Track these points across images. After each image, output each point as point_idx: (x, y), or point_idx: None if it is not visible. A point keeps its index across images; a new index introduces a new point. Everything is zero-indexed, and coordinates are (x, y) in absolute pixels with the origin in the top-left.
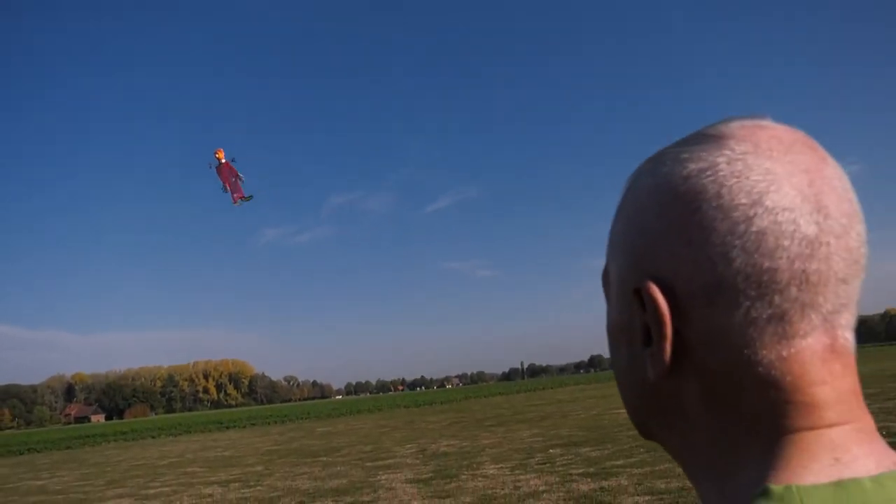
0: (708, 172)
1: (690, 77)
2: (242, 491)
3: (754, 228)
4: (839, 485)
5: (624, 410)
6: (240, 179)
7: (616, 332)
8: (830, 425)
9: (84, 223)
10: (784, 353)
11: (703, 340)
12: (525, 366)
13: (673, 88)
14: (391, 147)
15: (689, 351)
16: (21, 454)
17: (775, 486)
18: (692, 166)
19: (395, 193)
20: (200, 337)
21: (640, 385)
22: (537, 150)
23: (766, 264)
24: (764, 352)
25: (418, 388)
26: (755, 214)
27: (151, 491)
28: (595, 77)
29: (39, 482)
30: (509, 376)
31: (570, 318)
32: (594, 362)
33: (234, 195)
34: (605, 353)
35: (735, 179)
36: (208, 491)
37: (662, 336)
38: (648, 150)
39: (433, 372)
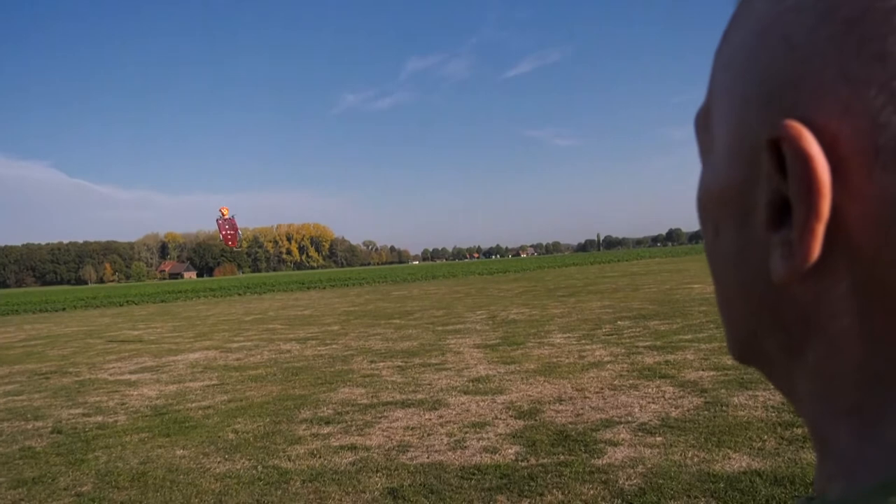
0: None
1: None
2: (318, 348)
3: None
4: None
5: (698, 285)
6: (237, 231)
7: (719, 202)
8: None
9: (173, 90)
10: None
11: (875, 223)
12: (601, 237)
13: None
14: (471, 6)
15: (848, 241)
16: (121, 305)
17: None
18: None
19: (474, 58)
20: (283, 200)
21: (753, 284)
22: (627, 6)
23: None
24: None
25: (493, 257)
26: None
27: (235, 345)
28: None
29: (136, 332)
30: (585, 247)
31: (649, 191)
32: (672, 236)
33: (232, 242)
34: (685, 226)
35: None
36: (287, 347)
37: (814, 215)
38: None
39: (509, 241)
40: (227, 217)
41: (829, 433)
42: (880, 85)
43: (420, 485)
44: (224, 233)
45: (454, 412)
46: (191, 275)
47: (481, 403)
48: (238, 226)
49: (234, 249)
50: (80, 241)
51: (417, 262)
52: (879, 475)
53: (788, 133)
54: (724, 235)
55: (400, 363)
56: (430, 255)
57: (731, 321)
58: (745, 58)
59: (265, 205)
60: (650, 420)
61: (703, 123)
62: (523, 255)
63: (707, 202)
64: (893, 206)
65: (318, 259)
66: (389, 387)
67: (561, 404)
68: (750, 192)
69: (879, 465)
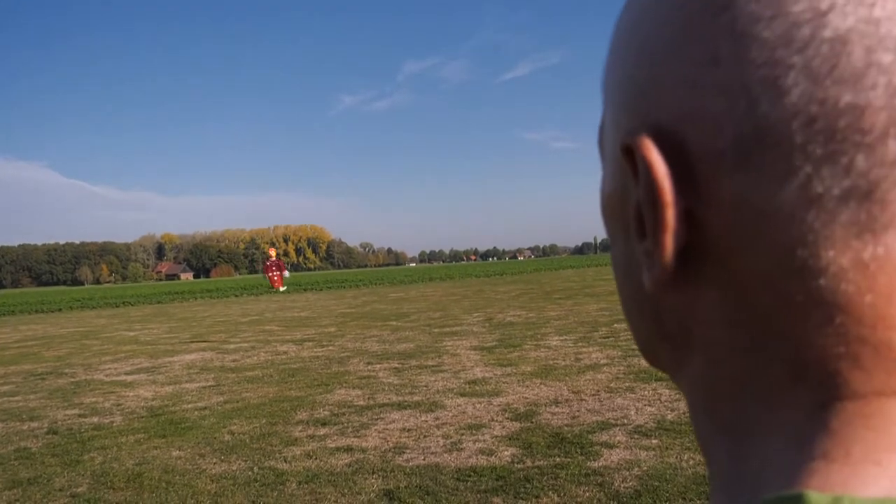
0: None
1: None
2: (315, 350)
3: (827, 34)
4: None
5: None
6: (283, 272)
7: (609, 212)
8: None
9: (169, 89)
10: (865, 256)
11: (730, 229)
12: (598, 240)
13: None
14: (469, 8)
15: (709, 247)
16: (117, 307)
17: (815, 496)
18: None
19: (472, 60)
20: (280, 202)
21: (638, 295)
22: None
23: (847, 99)
24: (831, 252)
25: (490, 259)
26: (831, 8)
27: (231, 346)
28: None
29: (132, 333)
30: (582, 250)
31: None
32: None
33: (278, 283)
34: None
35: None
36: (283, 348)
37: (659, 223)
38: None
39: (506, 243)
40: (273, 259)
41: (709, 447)
42: (717, 88)
43: (416, 486)
44: (271, 274)
45: (450, 414)
46: (187, 276)
47: (478, 405)
48: (284, 266)
49: (279, 290)
50: (77, 241)
51: (414, 265)
52: (753, 497)
53: (633, 141)
54: (616, 245)
55: (396, 365)
56: (427, 258)
57: (632, 330)
58: (620, 60)
59: (262, 206)
60: (646, 422)
61: (602, 133)
62: (520, 258)
63: (603, 212)
64: (742, 211)
65: (315, 261)
66: (386, 388)
67: (557, 406)
68: (626, 200)
69: (753, 485)
